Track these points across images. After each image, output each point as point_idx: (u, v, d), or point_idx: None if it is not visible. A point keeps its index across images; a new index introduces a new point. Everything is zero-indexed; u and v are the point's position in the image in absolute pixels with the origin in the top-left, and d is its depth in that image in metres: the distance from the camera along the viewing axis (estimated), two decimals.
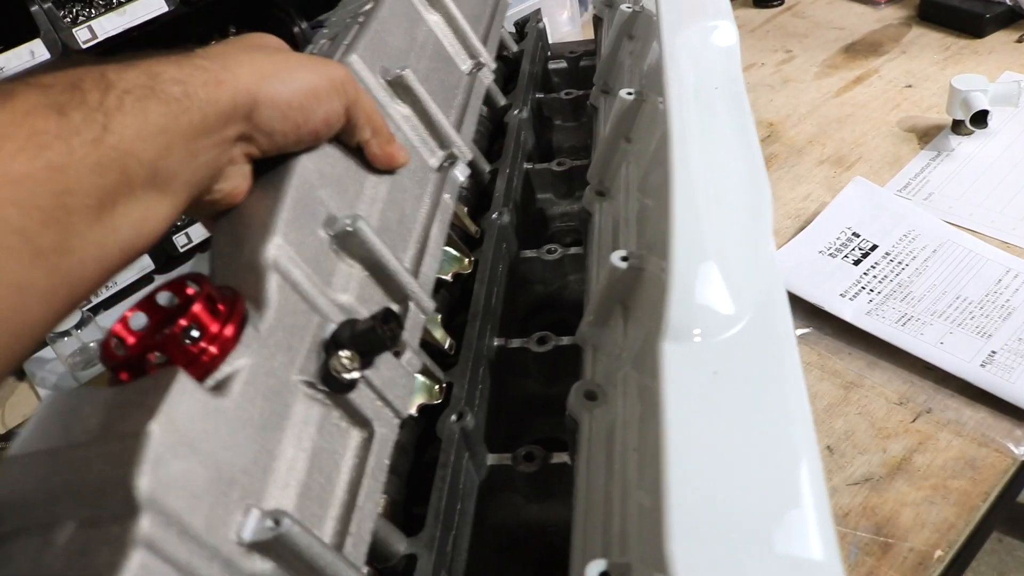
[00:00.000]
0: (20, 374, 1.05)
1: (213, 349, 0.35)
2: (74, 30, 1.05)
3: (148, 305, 0.37)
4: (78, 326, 0.91)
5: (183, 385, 0.31)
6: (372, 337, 0.41)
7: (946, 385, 0.74)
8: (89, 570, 0.27)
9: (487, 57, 0.78)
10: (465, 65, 0.76)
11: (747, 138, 0.58)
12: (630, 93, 0.62)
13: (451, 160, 0.62)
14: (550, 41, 1.04)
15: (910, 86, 1.17)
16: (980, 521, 0.66)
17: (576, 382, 0.50)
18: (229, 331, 0.36)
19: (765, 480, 0.36)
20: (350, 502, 0.41)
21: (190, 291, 0.37)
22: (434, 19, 0.73)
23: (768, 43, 1.33)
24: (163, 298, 0.38)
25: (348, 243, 0.47)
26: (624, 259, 0.49)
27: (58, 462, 0.30)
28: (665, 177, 0.50)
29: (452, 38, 0.74)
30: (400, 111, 0.60)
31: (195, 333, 0.35)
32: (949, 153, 1.02)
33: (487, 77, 0.77)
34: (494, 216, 0.65)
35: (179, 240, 1.09)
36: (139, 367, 0.35)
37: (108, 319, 1.07)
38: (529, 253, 0.68)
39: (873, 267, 0.85)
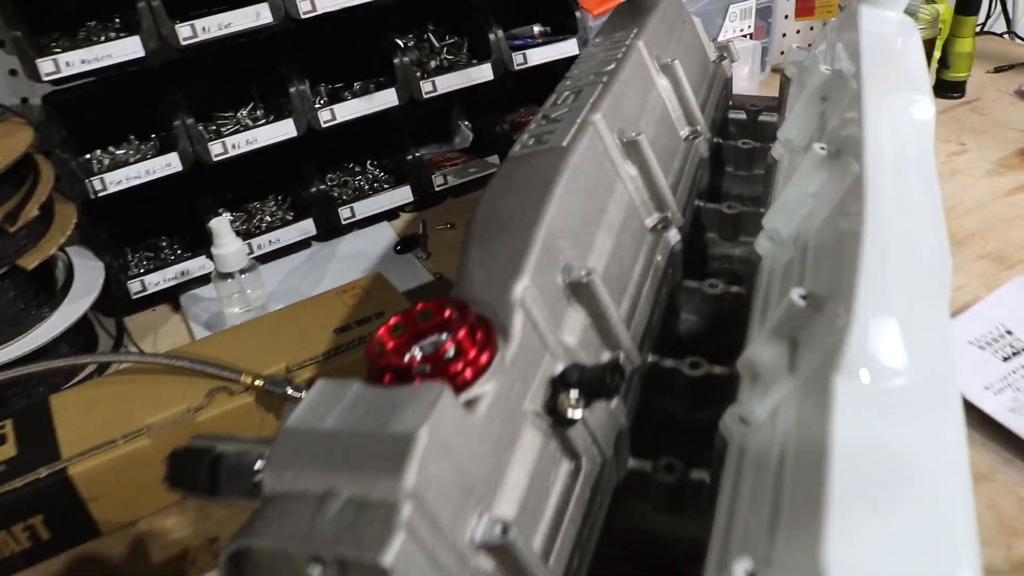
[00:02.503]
0: (176, 305, 1.12)
1: (468, 373, 0.41)
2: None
3: (409, 318, 0.44)
4: (243, 271, 0.97)
5: (446, 400, 0.36)
6: (600, 384, 0.46)
7: None
8: (360, 541, 0.31)
9: (704, 126, 0.82)
10: (684, 131, 0.80)
11: (935, 214, 0.59)
12: (823, 148, 0.64)
13: (664, 223, 0.67)
14: None
15: None
16: None
17: (729, 406, 0.52)
18: (484, 358, 0.42)
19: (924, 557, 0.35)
20: (555, 524, 0.45)
21: (448, 313, 0.43)
22: (663, 84, 0.78)
23: (941, 132, 1.31)
24: (423, 315, 0.44)
25: (580, 292, 0.52)
26: (803, 297, 0.51)
27: (338, 444, 0.34)
28: (854, 234, 0.52)
29: (676, 104, 0.80)
30: (629, 171, 0.65)
31: (456, 355, 0.41)
32: None
33: (703, 147, 0.81)
34: (669, 241, 0.68)
35: (344, 213, 1.15)
36: (404, 373, 0.41)
37: (269, 271, 1.14)
38: (691, 283, 0.70)
39: (1023, 367, 0.84)
